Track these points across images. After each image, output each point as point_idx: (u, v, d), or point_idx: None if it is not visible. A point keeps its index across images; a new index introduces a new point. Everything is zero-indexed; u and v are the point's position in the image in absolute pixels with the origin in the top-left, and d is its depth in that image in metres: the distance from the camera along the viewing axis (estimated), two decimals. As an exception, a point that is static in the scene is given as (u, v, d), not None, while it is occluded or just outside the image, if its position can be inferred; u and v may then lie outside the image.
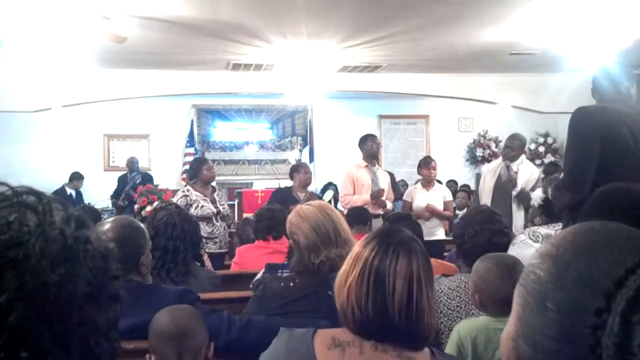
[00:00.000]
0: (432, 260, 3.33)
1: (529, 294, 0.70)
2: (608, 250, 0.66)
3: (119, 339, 0.70)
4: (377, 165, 6.22)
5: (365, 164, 6.08)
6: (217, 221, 5.56)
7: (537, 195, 4.08)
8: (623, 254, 0.65)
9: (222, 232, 5.57)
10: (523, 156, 5.73)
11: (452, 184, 9.66)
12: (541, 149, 11.26)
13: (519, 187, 5.39)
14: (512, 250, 2.96)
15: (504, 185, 5.49)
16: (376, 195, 5.85)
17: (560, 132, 10.95)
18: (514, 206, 5.40)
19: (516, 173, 5.47)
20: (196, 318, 1.91)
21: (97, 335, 0.64)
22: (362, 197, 5.86)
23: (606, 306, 0.62)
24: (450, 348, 2.18)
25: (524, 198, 5.33)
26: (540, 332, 0.67)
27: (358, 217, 4.59)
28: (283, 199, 5.52)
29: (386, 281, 1.45)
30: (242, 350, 2.11)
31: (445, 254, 4.93)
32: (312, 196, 6.03)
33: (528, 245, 3.50)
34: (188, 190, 5.57)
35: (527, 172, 5.54)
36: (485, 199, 5.62)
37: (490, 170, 5.78)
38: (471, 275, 2.24)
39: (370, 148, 6.08)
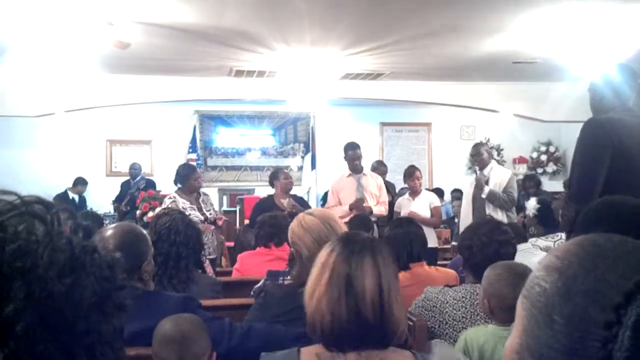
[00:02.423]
0: (433, 268, 3.36)
1: (534, 306, 0.70)
2: (614, 264, 0.67)
3: (123, 348, 0.70)
4: (361, 173, 6.16)
5: (349, 173, 6.10)
6: None
7: (531, 205, 4.12)
8: (630, 267, 0.66)
9: (210, 238, 5.54)
10: (493, 162, 6.07)
11: (458, 193, 9.61)
12: (543, 157, 11.26)
13: (487, 189, 5.68)
14: (517, 258, 2.96)
15: (478, 192, 5.80)
16: (354, 205, 5.82)
17: (563, 140, 10.95)
18: (488, 209, 5.65)
19: (487, 178, 5.77)
20: (199, 325, 1.92)
21: (103, 345, 0.65)
22: (343, 208, 5.85)
23: (616, 319, 0.62)
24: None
25: (493, 198, 5.67)
26: (547, 346, 0.67)
27: (360, 225, 4.59)
28: (267, 208, 5.46)
29: (355, 283, 1.48)
30: (243, 357, 2.10)
31: (446, 262, 4.92)
32: (296, 200, 6.00)
33: (531, 253, 3.50)
34: (175, 198, 5.54)
35: (498, 176, 5.83)
36: (467, 209, 5.95)
37: (469, 184, 6.12)
38: (482, 281, 2.23)
39: (347, 161, 6.16)
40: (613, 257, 0.68)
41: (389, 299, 1.48)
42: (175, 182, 5.71)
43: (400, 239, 3.33)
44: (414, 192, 6.43)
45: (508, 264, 2.25)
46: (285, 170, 6.40)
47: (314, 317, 1.50)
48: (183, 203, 5.44)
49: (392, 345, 1.52)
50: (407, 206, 6.35)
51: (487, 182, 5.72)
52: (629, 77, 3.13)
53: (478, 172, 5.86)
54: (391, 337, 1.50)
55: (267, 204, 5.97)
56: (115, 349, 0.67)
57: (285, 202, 5.86)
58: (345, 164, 6.26)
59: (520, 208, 5.77)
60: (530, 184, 8.42)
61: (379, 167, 7.16)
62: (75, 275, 0.62)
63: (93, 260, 0.64)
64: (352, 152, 6.11)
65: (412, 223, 3.62)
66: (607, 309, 0.63)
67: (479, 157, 5.92)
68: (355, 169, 6.12)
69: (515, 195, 5.83)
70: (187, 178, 5.58)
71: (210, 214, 5.64)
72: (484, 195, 5.67)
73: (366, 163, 7.05)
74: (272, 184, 6.19)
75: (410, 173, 6.48)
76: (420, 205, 6.34)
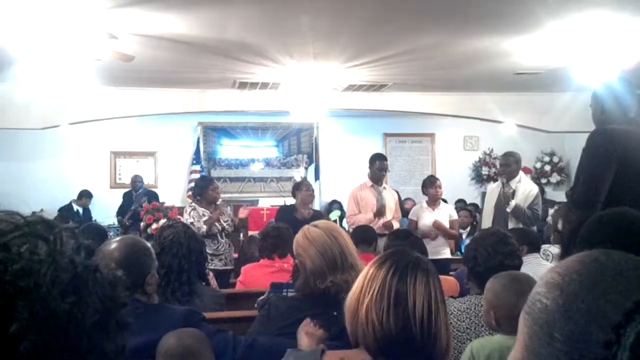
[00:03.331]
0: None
1: (535, 322, 0.70)
2: (615, 282, 0.67)
3: (126, 365, 0.70)
4: (383, 185, 6.24)
5: (371, 183, 6.14)
6: (222, 238, 5.60)
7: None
8: (630, 286, 0.66)
9: (227, 249, 5.61)
10: (522, 173, 5.82)
11: (461, 203, 9.62)
12: (547, 167, 11.25)
13: (513, 204, 5.49)
14: (523, 269, 2.95)
15: (503, 204, 5.59)
16: (379, 212, 5.91)
17: (566, 151, 10.94)
18: (511, 224, 5.47)
19: (513, 190, 5.57)
20: (203, 340, 1.92)
21: (105, 362, 0.65)
22: (367, 216, 5.94)
23: (615, 339, 0.62)
24: None
25: (519, 214, 5.46)
26: None
27: (363, 237, 4.58)
28: (287, 217, 5.56)
29: (407, 300, 1.47)
30: (247, 371, 2.10)
31: (451, 272, 4.92)
32: (316, 213, 6.06)
33: (539, 264, 3.49)
34: (195, 206, 5.65)
35: (525, 189, 5.63)
36: (487, 219, 5.79)
37: (491, 191, 5.93)
38: (484, 293, 2.22)
39: (374, 171, 6.17)
40: (613, 275, 0.67)
41: (438, 322, 1.48)
42: (195, 195, 5.80)
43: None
44: (434, 202, 6.41)
45: (512, 273, 2.25)
46: (307, 183, 6.48)
47: (362, 327, 1.50)
48: (203, 211, 5.54)
49: None
50: (428, 216, 6.32)
51: (513, 194, 5.53)
52: (629, 88, 3.14)
53: (505, 184, 5.62)
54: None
55: (287, 212, 6.08)
56: (117, 366, 0.67)
57: (305, 212, 5.93)
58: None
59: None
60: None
61: None
62: (78, 294, 0.62)
63: (95, 279, 0.65)
64: (379, 163, 6.18)
65: (410, 234, 3.61)
66: (606, 329, 0.63)
67: (507, 167, 5.71)
68: (379, 179, 6.19)
69: (540, 212, 5.63)
70: (205, 189, 5.70)
71: (228, 224, 5.72)
72: (509, 210, 5.49)
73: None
74: (294, 195, 6.28)
75: (432, 182, 6.46)
76: (442, 216, 6.34)
